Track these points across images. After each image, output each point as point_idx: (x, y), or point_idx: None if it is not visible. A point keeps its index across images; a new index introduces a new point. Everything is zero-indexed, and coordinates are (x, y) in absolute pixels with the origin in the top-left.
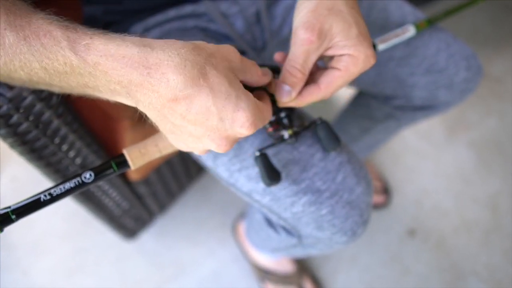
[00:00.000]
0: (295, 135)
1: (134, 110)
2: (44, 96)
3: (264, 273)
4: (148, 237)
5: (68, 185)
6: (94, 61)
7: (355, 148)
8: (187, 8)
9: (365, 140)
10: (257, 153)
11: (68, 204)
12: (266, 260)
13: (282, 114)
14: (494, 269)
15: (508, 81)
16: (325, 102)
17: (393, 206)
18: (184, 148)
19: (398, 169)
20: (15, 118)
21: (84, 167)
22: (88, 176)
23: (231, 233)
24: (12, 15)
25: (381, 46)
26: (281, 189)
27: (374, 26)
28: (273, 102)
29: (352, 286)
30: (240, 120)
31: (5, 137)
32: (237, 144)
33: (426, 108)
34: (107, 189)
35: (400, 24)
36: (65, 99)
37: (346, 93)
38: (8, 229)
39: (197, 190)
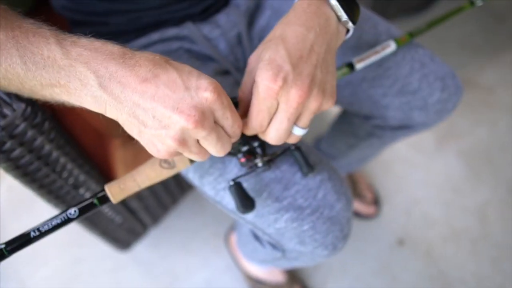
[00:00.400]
0: (268, 163)
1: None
2: (36, 123)
3: (255, 283)
4: (142, 248)
5: (55, 221)
6: (78, 53)
7: (345, 162)
8: (171, 31)
9: (353, 155)
10: (231, 183)
11: None
12: (257, 270)
13: (255, 144)
14: (481, 277)
15: (499, 90)
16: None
17: (383, 216)
18: (156, 149)
19: (388, 178)
20: (8, 144)
21: (76, 187)
22: (73, 212)
23: (224, 243)
24: (3, 19)
25: (359, 65)
26: (265, 206)
27: (346, 46)
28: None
29: None
30: (203, 84)
31: None
32: (222, 163)
33: (403, 128)
34: None
35: (374, 43)
36: (57, 122)
37: (336, 109)
38: (7, 240)
39: (190, 201)
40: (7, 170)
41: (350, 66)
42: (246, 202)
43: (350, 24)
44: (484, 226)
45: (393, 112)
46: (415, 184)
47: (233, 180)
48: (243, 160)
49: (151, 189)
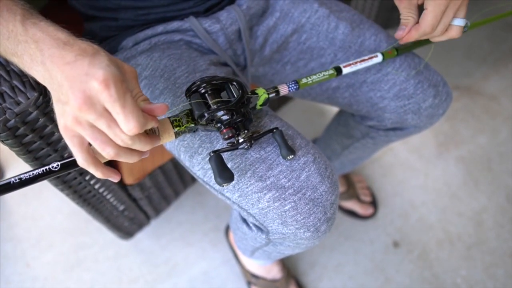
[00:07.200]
0: (249, 140)
1: None
2: (47, 111)
3: (252, 277)
4: (144, 237)
5: (36, 171)
6: (33, 33)
7: (339, 163)
8: (174, 24)
9: (347, 156)
10: (211, 154)
11: (71, 203)
12: (255, 266)
13: (237, 119)
14: (474, 282)
15: (503, 99)
16: (318, 118)
17: (379, 218)
18: (62, 115)
19: (387, 181)
20: (21, 130)
21: (82, 173)
22: (55, 165)
23: (224, 237)
24: None
25: (346, 70)
26: (248, 185)
27: (349, 51)
28: (227, 104)
29: None
30: (97, 74)
31: (12, 146)
32: (210, 143)
33: (396, 130)
34: (103, 191)
35: (374, 50)
36: None
37: (333, 112)
38: (15, 222)
39: (192, 195)
40: (19, 154)
41: (338, 69)
42: (224, 173)
43: None
44: (480, 232)
45: (388, 114)
46: (413, 188)
47: (213, 151)
48: (224, 131)
49: (153, 179)
